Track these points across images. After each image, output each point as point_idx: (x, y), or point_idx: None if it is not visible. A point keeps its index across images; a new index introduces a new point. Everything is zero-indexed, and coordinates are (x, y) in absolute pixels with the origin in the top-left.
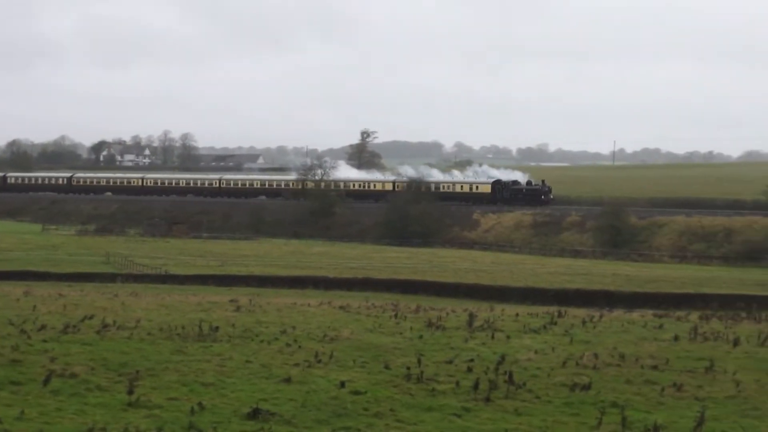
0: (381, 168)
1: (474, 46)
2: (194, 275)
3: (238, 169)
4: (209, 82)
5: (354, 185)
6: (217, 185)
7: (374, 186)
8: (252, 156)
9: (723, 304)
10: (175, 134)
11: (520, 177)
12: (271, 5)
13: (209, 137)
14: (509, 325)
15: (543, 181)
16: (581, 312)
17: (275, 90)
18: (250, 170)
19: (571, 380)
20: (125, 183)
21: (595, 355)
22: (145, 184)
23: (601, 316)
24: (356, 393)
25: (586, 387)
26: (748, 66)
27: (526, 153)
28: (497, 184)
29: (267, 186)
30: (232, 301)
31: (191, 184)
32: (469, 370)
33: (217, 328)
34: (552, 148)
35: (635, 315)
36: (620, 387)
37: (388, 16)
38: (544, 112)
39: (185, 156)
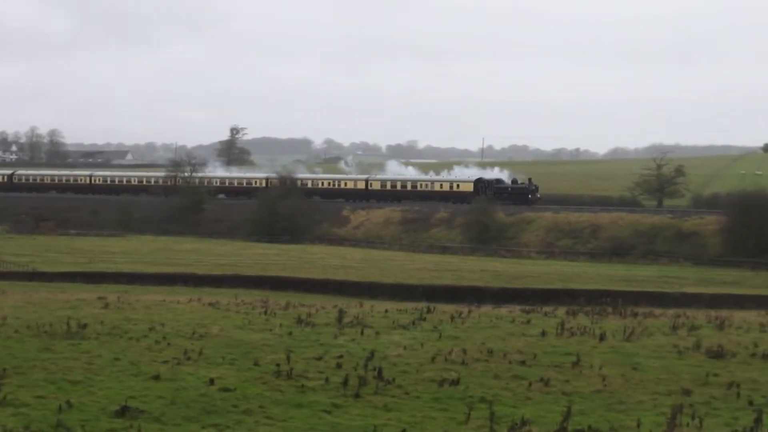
0: (251, 163)
1: (345, 43)
2: (62, 272)
3: (106, 165)
4: (77, 78)
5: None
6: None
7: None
8: (121, 152)
9: (589, 300)
10: (43, 130)
11: (502, 175)
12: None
13: (78, 133)
14: (378, 321)
15: (529, 180)
16: (450, 308)
17: (144, 86)
18: (120, 166)
19: (440, 376)
20: None
21: (464, 351)
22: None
23: (469, 312)
24: (225, 390)
25: (455, 382)
26: (614, 65)
27: (396, 150)
28: (480, 182)
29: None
30: (100, 298)
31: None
32: (339, 366)
33: (85, 325)
34: (421, 145)
35: (503, 310)
36: (488, 382)
37: (257, 13)
38: (413, 110)
39: (53, 152)
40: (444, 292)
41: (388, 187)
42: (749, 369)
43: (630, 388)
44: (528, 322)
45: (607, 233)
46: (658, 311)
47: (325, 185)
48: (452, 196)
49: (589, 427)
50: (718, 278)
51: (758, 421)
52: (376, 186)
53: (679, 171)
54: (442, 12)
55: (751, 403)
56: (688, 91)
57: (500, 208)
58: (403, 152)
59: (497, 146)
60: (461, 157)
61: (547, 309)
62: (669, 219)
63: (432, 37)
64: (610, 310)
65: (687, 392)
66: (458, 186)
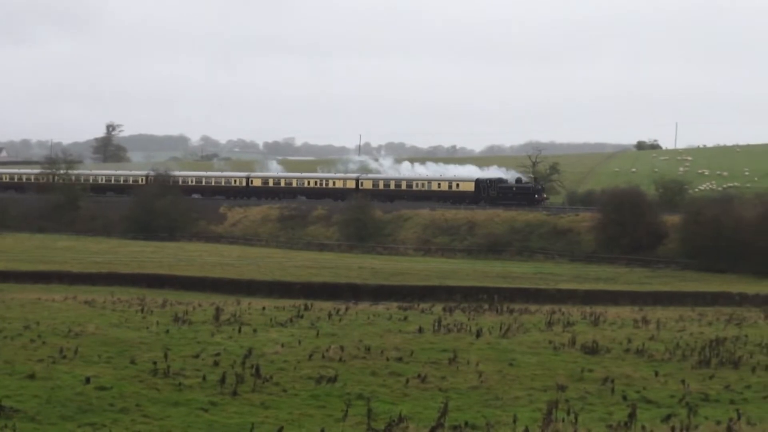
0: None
1: (219, 40)
2: None
3: None
4: None
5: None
6: None
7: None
8: None
9: (466, 296)
10: None
11: (501, 174)
12: None
13: None
14: (256, 319)
15: (535, 179)
16: (328, 305)
17: (20, 83)
18: None
19: (318, 373)
20: None
21: (341, 348)
22: None
23: (347, 309)
24: (102, 389)
25: (333, 379)
26: (491, 64)
27: (273, 147)
28: (481, 182)
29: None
30: None
31: None
32: (216, 364)
33: None
34: (298, 142)
35: (381, 308)
36: (366, 379)
37: (131, 10)
38: (291, 107)
39: None
40: (322, 290)
41: (381, 186)
42: (623, 364)
43: (506, 384)
44: (405, 318)
45: (483, 230)
46: (533, 307)
47: (312, 184)
48: (451, 197)
49: (466, 423)
50: (592, 275)
51: (632, 416)
52: (368, 185)
53: (554, 168)
54: (320, 11)
55: (625, 398)
56: (562, 90)
57: (377, 205)
58: (280, 149)
59: (374, 143)
60: (338, 154)
61: (424, 306)
62: (544, 216)
63: (310, 35)
64: (486, 306)
65: (562, 388)
66: (458, 185)
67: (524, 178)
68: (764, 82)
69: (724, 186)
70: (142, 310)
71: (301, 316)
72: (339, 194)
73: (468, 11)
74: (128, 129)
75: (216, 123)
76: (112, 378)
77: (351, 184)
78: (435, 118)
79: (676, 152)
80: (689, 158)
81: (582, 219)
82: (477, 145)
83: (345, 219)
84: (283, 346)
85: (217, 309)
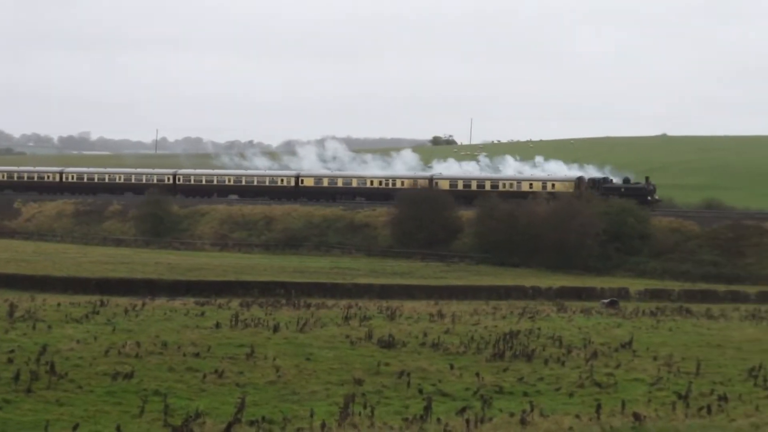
0: None
1: (7, 33)
2: None
3: None
4: None
5: None
6: None
7: None
8: None
9: (264, 291)
10: None
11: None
12: None
13: None
14: (51, 315)
15: (647, 179)
16: (124, 301)
17: None
18: None
19: (114, 369)
20: None
21: (138, 344)
22: None
23: (143, 305)
24: None
25: (129, 376)
26: (285, 60)
27: (68, 141)
28: (582, 181)
29: None
30: None
31: None
32: (10, 361)
33: None
34: (94, 137)
35: (177, 303)
36: (163, 375)
37: None
38: (84, 101)
39: None
40: (118, 285)
41: (460, 186)
42: (419, 358)
43: (303, 379)
44: (202, 314)
45: (280, 225)
46: (330, 302)
47: (375, 184)
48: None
49: (263, 417)
50: (389, 269)
51: (428, 408)
52: (444, 185)
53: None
54: (114, 5)
55: (421, 391)
56: (357, 86)
57: (176, 200)
58: (75, 144)
59: (171, 138)
60: (135, 149)
61: (222, 301)
62: (341, 211)
63: (102, 29)
64: (283, 301)
65: (359, 381)
66: (553, 186)
67: (631, 178)
68: (552, 81)
69: None
70: None
71: (97, 312)
72: (407, 195)
73: (256, 8)
74: None
75: (7, 117)
76: None
77: (424, 183)
78: (232, 114)
79: (471, 147)
80: (485, 153)
81: (379, 214)
82: (273, 140)
83: (141, 214)
84: (78, 342)
85: (11, 305)
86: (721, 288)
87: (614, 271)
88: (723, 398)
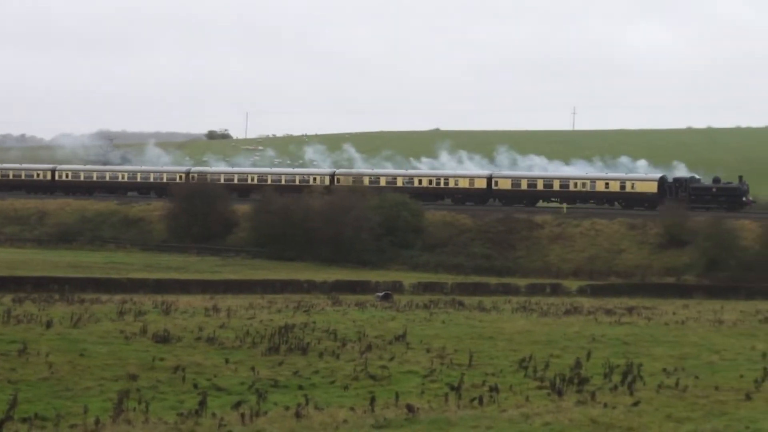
0: None
1: None
2: None
3: None
4: None
5: None
6: None
7: None
8: None
9: (37, 287)
10: None
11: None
12: None
13: None
14: None
15: (740, 178)
16: None
17: None
18: None
19: None
20: None
21: None
22: None
23: None
24: None
25: None
26: (56, 52)
27: None
28: (666, 181)
29: None
30: None
31: None
32: None
33: None
34: None
35: None
36: None
37: None
38: None
39: None
40: None
41: (524, 186)
42: (194, 353)
43: (77, 375)
44: None
45: (54, 219)
46: (105, 297)
47: (426, 183)
48: (626, 198)
49: (36, 414)
50: (164, 264)
51: (203, 403)
52: (505, 185)
53: (125, 158)
54: None
55: (196, 386)
56: (128, 79)
57: None
58: None
59: None
60: None
61: None
62: (115, 205)
63: None
64: (57, 297)
65: (134, 377)
66: (633, 186)
67: (720, 178)
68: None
69: None
70: None
71: None
72: (469, 195)
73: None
74: None
75: None
76: None
77: (482, 183)
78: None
79: (247, 141)
80: (261, 147)
81: (154, 208)
82: (47, 133)
83: None
84: None
85: None
86: (492, 281)
87: (389, 265)
88: (494, 389)
